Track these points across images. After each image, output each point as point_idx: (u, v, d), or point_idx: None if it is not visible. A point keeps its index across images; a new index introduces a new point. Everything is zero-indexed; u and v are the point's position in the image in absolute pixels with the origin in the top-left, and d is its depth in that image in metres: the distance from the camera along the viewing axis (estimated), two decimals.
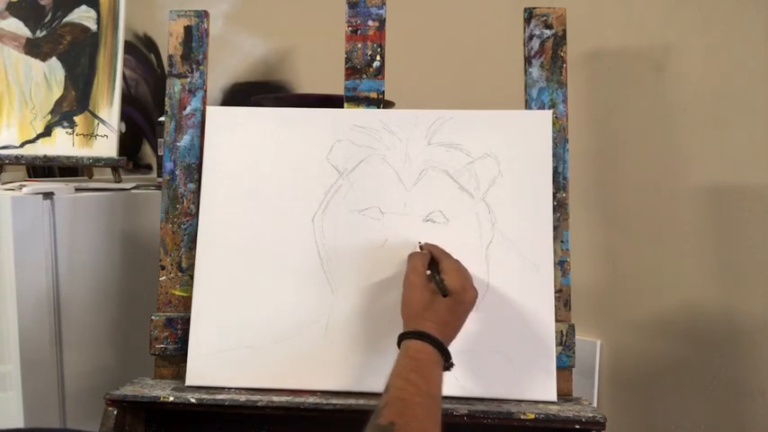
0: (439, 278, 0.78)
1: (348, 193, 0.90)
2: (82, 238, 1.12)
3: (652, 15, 1.08)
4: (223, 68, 1.65)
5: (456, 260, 0.81)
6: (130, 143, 1.87)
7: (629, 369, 1.14)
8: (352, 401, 0.81)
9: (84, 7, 1.28)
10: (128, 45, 1.52)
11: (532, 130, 0.90)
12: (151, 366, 0.90)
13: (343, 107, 0.95)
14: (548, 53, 0.92)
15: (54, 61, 1.28)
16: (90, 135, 1.26)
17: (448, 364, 0.74)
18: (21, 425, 1.04)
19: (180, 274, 0.92)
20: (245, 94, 1.62)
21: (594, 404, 1.15)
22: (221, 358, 0.87)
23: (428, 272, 0.80)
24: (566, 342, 0.87)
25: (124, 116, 1.32)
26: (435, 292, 0.76)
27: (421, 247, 0.86)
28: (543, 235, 0.88)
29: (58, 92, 1.27)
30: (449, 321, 0.75)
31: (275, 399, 0.82)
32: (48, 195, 1.07)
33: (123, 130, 1.32)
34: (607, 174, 1.15)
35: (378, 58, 0.95)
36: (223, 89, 1.67)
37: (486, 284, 0.87)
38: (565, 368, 0.86)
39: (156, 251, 0.93)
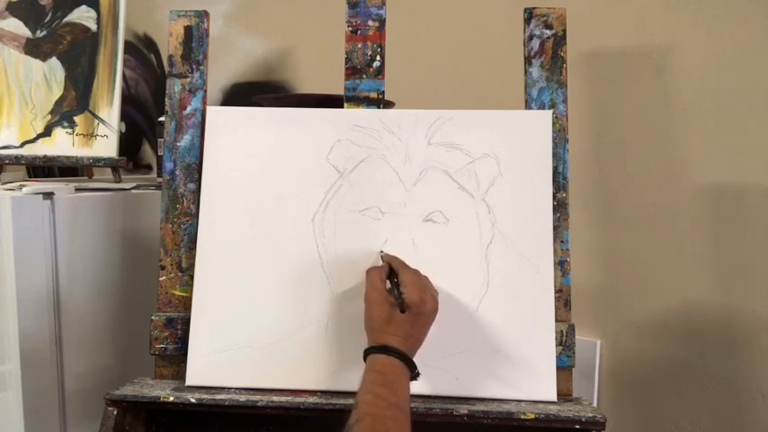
0: (397, 293, 0.78)
1: (348, 193, 0.90)
2: (82, 238, 1.12)
3: (652, 15, 1.08)
4: (223, 68, 1.65)
5: (414, 271, 0.81)
6: (130, 143, 1.87)
7: (629, 369, 1.14)
8: (352, 401, 0.80)
9: (84, 7, 1.28)
10: (128, 45, 1.52)
11: (532, 130, 0.90)
12: (151, 366, 0.90)
13: (343, 107, 0.95)
14: (548, 53, 0.92)
15: (54, 61, 1.28)
16: (90, 135, 1.26)
17: (414, 374, 0.75)
18: (21, 425, 1.04)
19: (180, 274, 0.92)
20: (245, 94, 1.62)
21: (594, 404, 1.15)
22: (221, 358, 0.87)
23: (388, 285, 0.80)
24: (566, 342, 0.87)
25: (124, 116, 1.32)
26: (395, 306, 0.77)
27: (382, 258, 0.86)
28: (543, 235, 0.88)
29: (58, 92, 1.27)
30: (411, 333, 0.77)
31: (275, 399, 0.82)
32: (48, 195, 1.07)
33: (123, 130, 1.32)
34: (607, 174, 1.15)
35: (378, 58, 0.95)
36: (223, 89, 1.67)
37: (486, 284, 0.87)
38: (565, 368, 0.86)
39: (156, 251, 0.92)
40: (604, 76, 1.14)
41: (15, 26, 1.29)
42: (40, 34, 1.28)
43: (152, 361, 0.91)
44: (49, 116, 1.27)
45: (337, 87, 0.96)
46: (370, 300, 0.79)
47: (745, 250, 1.02)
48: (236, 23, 1.64)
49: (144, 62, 1.85)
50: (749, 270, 1.01)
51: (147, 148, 1.87)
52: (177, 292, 0.92)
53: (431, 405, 0.81)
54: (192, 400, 0.82)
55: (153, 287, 0.93)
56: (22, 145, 1.27)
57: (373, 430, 0.65)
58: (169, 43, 0.96)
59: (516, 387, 0.84)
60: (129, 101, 1.83)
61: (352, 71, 0.95)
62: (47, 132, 1.27)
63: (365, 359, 0.76)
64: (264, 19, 1.61)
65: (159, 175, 1.29)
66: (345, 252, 0.89)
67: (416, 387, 0.79)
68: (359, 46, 0.95)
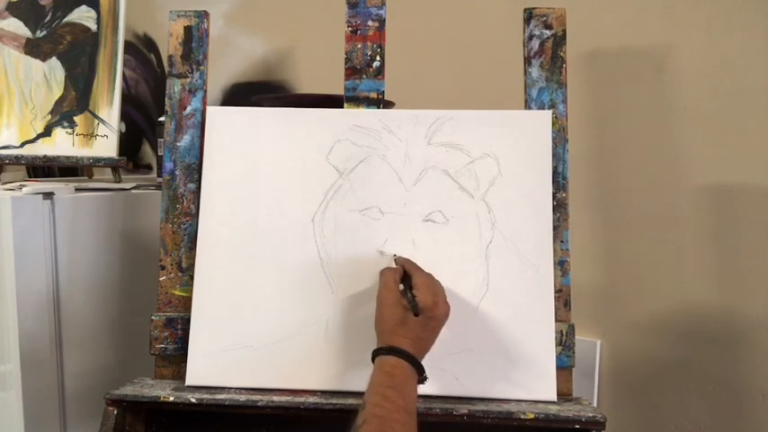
0: (411, 295, 0.77)
1: (348, 193, 0.90)
2: (82, 238, 1.12)
3: (652, 15, 1.08)
4: (223, 68, 1.65)
5: (428, 274, 0.81)
6: (130, 143, 1.87)
7: (629, 369, 1.14)
8: (351, 401, 0.81)
9: (84, 7, 1.28)
10: (128, 45, 1.52)
11: (532, 130, 0.90)
12: (151, 366, 0.90)
13: (343, 107, 0.95)
14: (547, 53, 0.92)
15: (54, 61, 1.28)
16: (90, 135, 1.26)
17: (422, 378, 0.75)
18: (21, 425, 1.04)
19: (180, 274, 0.92)
20: (245, 94, 1.62)
21: (594, 404, 1.15)
22: (221, 358, 0.87)
23: (401, 287, 0.80)
24: (566, 342, 0.87)
25: (124, 116, 1.32)
26: (408, 308, 0.76)
27: (396, 261, 0.86)
28: (543, 235, 0.88)
29: (58, 92, 1.27)
30: (422, 337, 0.76)
31: (275, 399, 0.82)
32: (48, 195, 1.07)
33: (123, 130, 1.32)
34: (607, 174, 1.15)
35: (378, 58, 0.95)
36: (223, 89, 1.67)
37: (486, 284, 0.87)
38: (565, 368, 0.86)
39: (156, 251, 0.93)
40: (604, 76, 1.14)
41: (15, 26, 1.29)
42: (40, 34, 1.28)
43: (152, 361, 0.91)
44: (49, 116, 1.27)
45: (337, 87, 0.96)
46: (383, 300, 0.78)
47: (745, 250, 1.02)
48: (236, 23, 1.64)
49: (144, 62, 1.85)
50: (749, 270, 1.01)
51: (147, 148, 1.87)
52: (177, 292, 0.92)
53: (431, 405, 0.81)
54: (193, 400, 0.82)
55: (153, 287, 0.93)
56: (22, 145, 1.27)
57: None
58: (169, 43, 0.96)
59: (516, 387, 0.84)
60: (129, 101, 1.83)
61: (352, 71, 0.95)
62: (47, 132, 1.27)
63: (373, 360, 0.75)
64: (264, 19, 1.61)
65: (159, 175, 1.29)
66: (345, 252, 0.89)
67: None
68: (359, 46, 0.95)
